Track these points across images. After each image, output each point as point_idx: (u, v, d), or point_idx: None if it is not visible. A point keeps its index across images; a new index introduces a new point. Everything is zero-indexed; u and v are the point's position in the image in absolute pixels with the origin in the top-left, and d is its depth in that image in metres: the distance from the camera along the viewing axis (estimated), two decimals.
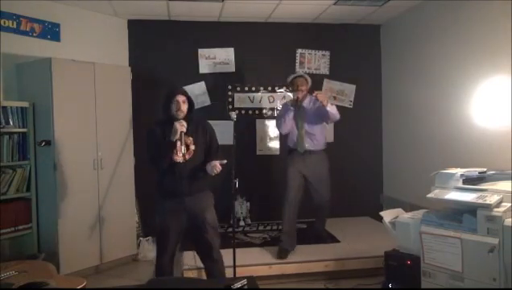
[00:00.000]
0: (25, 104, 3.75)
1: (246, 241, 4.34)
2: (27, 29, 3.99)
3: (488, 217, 2.41)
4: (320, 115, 3.90)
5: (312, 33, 5.23)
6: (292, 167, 3.96)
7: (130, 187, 4.32)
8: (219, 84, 5.08)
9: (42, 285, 2.40)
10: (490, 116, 3.50)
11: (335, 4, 4.46)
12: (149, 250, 4.31)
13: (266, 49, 5.12)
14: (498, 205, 2.42)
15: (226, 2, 4.35)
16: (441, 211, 2.80)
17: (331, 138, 5.08)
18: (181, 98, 2.92)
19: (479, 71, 3.60)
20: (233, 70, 5.10)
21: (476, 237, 2.46)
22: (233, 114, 3.55)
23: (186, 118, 2.91)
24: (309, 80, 3.99)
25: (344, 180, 5.06)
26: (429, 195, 2.77)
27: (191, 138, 2.94)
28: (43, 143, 3.69)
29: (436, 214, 2.76)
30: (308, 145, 3.95)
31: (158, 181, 2.98)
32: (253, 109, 5.20)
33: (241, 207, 4.96)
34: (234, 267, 3.30)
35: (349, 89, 5.34)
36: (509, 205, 2.40)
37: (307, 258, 3.75)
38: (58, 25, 4.23)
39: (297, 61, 5.23)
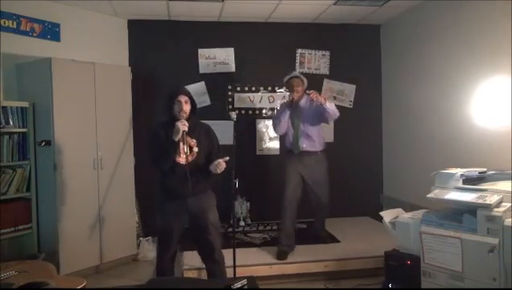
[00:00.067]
0: (25, 104, 3.75)
1: (246, 241, 4.34)
2: (27, 29, 3.99)
3: (488, 217, 2.42)
4: (318, 114, 3.86)
5: (312, 33, 5.23)
6: (290, 167, 3.95)
7: (130, 187, 4.32)
8: (219, 84, 5.07)
9: (42, 285, 2.41)
10: (490, 116, 3.50)
11: (335, 4, 4.46)
12: (149, 250, 4.31)
13: (266, 49, 5.12)
14: (498, 205, 2.42)
15: (226, 2, 4.35)
16: (441, 211, 2.80)
17: (331, 138, 5.09)
18: (183, 98, 2.90)
19: (479, 71, 3.60)
20: (233, 70, 5.10)
21: (476, 237, 2.46)
22: (233, 114, 3.55)
23: (188, 119, 2.90)
24: (305, 80, 3.96)
25: (344, 180, 5.07)
26: (429, 195, 2.77)
27: (194, 141, 2.93)
28: (43, 143, 3.69)
29: (436, 214, 2.76)
30: (305, 146, 3.92)
31: (160, 182, 2.98)
32: (253, 109, 5.20)
33: (241, 207, 4.96)
34: (234, 267, 3.30)
35: (349, 89, 5.34)
36: (509, 205, 2.40)
37: (308, 259, 3.75)
38: (58, 25, 4.23)
39: (297, 61, 5.23)
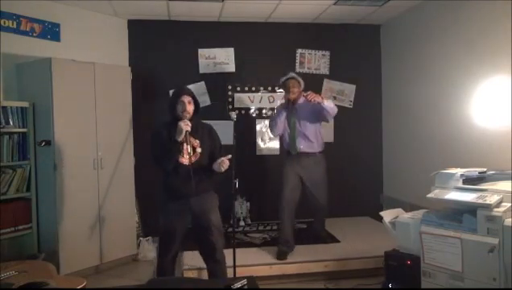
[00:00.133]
0: (25, 104, 3.75)
1: (246, 241, 4.34)
2: (27, 29, 3.99)
3: (488, 217, 2.42)
4: (316, 113, 3.83)
5: (312, 33, 5.23)
6: (288, 168, 3.93)
7: (130, 187, 4.32)
8: (219, 84, 5.07)
9: (42, 285, 2.41)
10: (490, 116, 3.50)
11: (335, 4, 4.46)
12: (149, 250, 4.31)
13: (266, 49, 5.12)
14: (498, 205, 2.42)
15: (226, 2, 4.35)
16: (441, 211, 2.80)
17: (331, 138, 5.09)
18: (187, 99, 2.89)
19: (479, 71, 3.60)
20: (233, 70, 5.10)
21: (476, 237, 2.46)
22: (233, 114, 3.55)
23: (192, 119, 2.89)
24: (302, 81, 3.92)
25: (344, 180, 5.07)
26: (429, 195, 2.77)
27: (197, 141, 2.93)
28: (43, 143, 3.69)
29: (436, 214, 2.76)
30: (303, 147, 3.89)
31: (163, 182, 2.97)
32: (254, 109, 5.20)
33: (241, 207, 4.96)
34: (234, 267, 3.30)
35: (349, 89, 5.34)
36: (509, 205, 2.40)
37: (308, 259, 3.75)
38: (58, 25, 4.23)
39: (297, 61, 5.23)
